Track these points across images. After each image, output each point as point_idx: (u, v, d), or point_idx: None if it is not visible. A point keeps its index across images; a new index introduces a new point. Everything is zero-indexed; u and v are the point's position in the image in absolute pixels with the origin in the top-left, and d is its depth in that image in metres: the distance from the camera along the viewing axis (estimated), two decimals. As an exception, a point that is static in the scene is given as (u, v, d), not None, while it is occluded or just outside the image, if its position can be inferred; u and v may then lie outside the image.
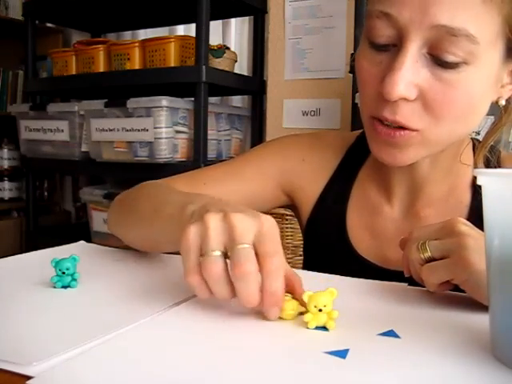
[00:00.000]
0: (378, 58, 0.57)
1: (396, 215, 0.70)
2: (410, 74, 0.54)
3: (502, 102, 0.61)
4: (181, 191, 0.65)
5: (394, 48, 0.56)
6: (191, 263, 0.45)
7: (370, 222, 0.71)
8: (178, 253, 0.50)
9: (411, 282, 0.56)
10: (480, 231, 0.49)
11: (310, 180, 0.76)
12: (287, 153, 0.78)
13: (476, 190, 0.67)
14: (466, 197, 0.68)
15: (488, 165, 0.68)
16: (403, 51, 0.54)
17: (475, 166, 0.68)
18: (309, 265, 0.78)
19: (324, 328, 0.43)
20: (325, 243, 0.74)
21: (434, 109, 0.55)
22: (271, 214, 1.49)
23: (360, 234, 0.71)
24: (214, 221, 0.45)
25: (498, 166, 0.69)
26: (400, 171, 0.68)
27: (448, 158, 0.67)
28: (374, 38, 0.57)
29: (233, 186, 0.75)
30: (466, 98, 0.55)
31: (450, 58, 0.53)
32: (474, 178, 0.67)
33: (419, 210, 0.69)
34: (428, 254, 0.50)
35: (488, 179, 0.38)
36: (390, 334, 0.42)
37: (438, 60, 0.54)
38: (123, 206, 0.72)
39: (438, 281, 0.50)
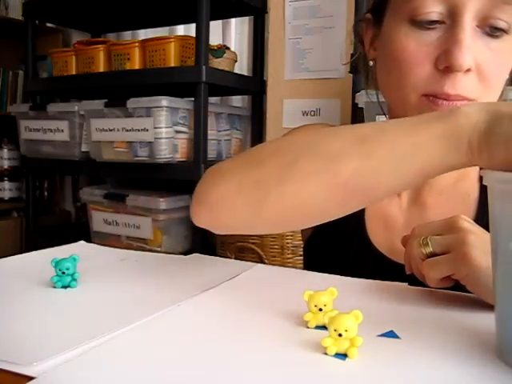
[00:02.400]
0: (426, 38, 0.59)
1: (405, 204, 0.71)
2: (472, 44, 0.57)
3: None
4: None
5: (441, 26, 0.58)
6: None
7: (382, 213, 0.71)
8: (184, 253, 0.44)
9: (412, 281, 0.56)
10: (482, 228, 0.49)
11: None
12: None
13: (484, 185, 0.68)
14: (474, 191, 0.69)
15: None
16: (462, 25, 0.57)
17: None
18: (313, 260, 0.77)
19: (324, 327, 0.42)
20: (341, 234, 0.72)
21: (486, 77, 0.59)
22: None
23: (374, 224, 0.71)
24: None
25: None
26: None
27: None
28: (421, 16, 0.58)
29: None
30: (507, 66, 0.61)
31: (502, 25, 0.57)
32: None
33: (426, 198, 0.69)
34: (430, 249, 0.50)
35: (493, 179, 0.38)
36: (390, 334, 0.42)
37: (488, 30, 0.58)
38: (259, 161, 0.49)
39: (438, 276, 0.50)
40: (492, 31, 0.57)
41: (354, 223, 0.71)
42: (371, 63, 0.68)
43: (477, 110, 0.40)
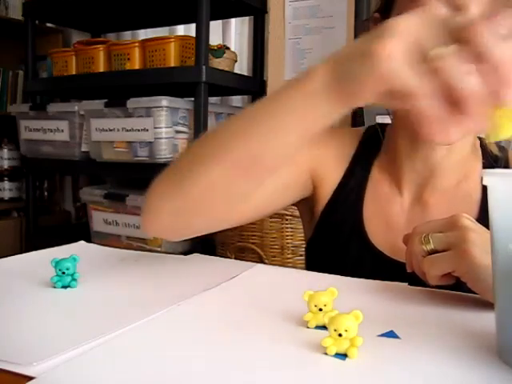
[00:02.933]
0: None
1: (407, 204, 0.71)
2: None
3: None
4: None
5: None
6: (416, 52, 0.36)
7: (383, 213, 0.72)
8: (184, 253, 0.47)
9: (412, 281, 0.56)
10: (483, 227, 0.49)
11: (331, 168, 0.76)
12: (316, 143, 0.76)
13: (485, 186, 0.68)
14: (477, 189, 0.69)
15: (496, 163, 0.69)
16: None
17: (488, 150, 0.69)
18: (314, 260, 0.78)
19: (324, 327, 0.42)
20: (340, 234, 0.73)
21: None
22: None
23: (374, 224, 0.71)
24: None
25: (506, 165, 0.70)
26: (416, 158, 0.69)
27: (465, 147, 0.69)
28: None
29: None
30: None
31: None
32: None
33: (429, 198, 0.70)
34: (431, 246, 0.51)
35: (494, 180, 0.38)
36: (390, 334, 0.42)
37: None
38: (180, 163, 0.57)
39: (439, 272, 0.50)
40: None
41: (352, 224, 0.72)
42: None
43: (324, 63, 0.42)
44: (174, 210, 0.55)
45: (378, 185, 0.74)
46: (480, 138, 0.73)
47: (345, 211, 0.73)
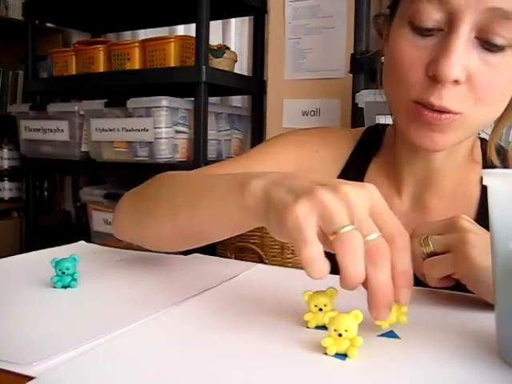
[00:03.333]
0: (422, 43, 0.57)
1: (405, 207, 0.71)
2: (463, 56, 0.54)
3: None
4: (225, 174, 0.57)
5: (439, 32, 0.56)
6: (310, 234, 0.39)
7: None
8: (184, 253, 0.48)
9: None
10: (483, 228, 0.49)
11: (323, 172, 0.76)
12: (302, 145, 0.78)
13: (485, 187, 0.68)
14: (475, 193, 0.69)
15: (494, 164, 0.69)
16: (456, 34, 0.54)
17: (489, 154, 0.69)
18: None
19: (324, 327, 0.42)
20: None
21: (477, 92, 0.56)
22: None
23: None
24: (328, 196, 0.39)
25: (506, 164, 0.70)
26: (415, 161, 0.69)
27: (464, 151, 0.68)
28: (419, 22, 0.57)
29: None
30: (506, 82, 0.57)
31: (499, 41, 0.54)
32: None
33: (428, 201, 0.69)
34: (430, 249, 0.50)
35: (494, 180, 0.38)
36: (390, 334, 0.42)
37: (485, 44, 0.55)
38: (141, 201, 0.65)
39: (438, 275, 0.50)
40: (489, 45, 0.55)
41: None
42: (383, 59, 0.68)
43: (262, 183, 0.45)
44: (135, 234, 0.65)
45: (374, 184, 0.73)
46: (481, 140, 0.73)
47: None
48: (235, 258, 1.68)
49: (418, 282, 0.54)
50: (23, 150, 2.14)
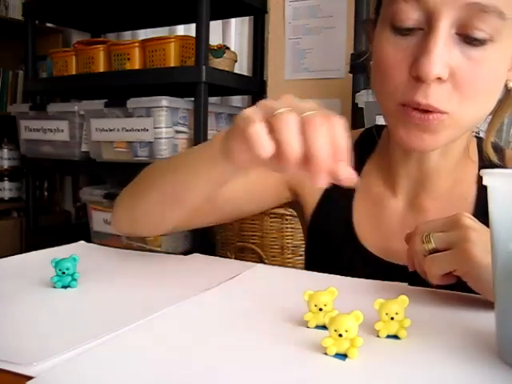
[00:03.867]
0: (403, 43, 0.57)
1: (400, 208, 0.71)
2: (444, 53, 0.54)
3: (510, 84, 0.62)
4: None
5: (419, 31, 0.56)
6: (256, 117, 0.45)
7: (376, 216, 0.71)
8: (184, 253, 0.51)
9: (412, 281, 0.56)
10: (484, 226, 0.49)
11: None
12: None
13: (481, 187, 0.68)
14: (471, 193, 0.68)
15: (491, 162, 0.68)
16: (435, 32, 0.54)
17: (485, 151, 0.68)
18: (312, 262, 0.78)
19: (324, 327, 0.42)
20: (330, 237, 0.73)
21: (462, 88, 0.56)
22: (272, 213, 1.50)
23: (366, 227, 0.71)
24: (274, 103, 0.46)
25: (503, 164, 0.69)
26: (409, 162, 0.69)
27: (458, 151, 0.68)
28: (399, 23, 0.57)
29: (235, 182, 0.75)
30: (490, 76, 0.57)
31: (480, 35, 0.54)
32: (479, 176, 0.68)
33: (423, 202, 0.69)
34: (432, 246, 0.51)
35: (494, 180, 0.38)
36: (390, 334, 0.42)
37: (466, 38, 0.55)
38: (131, 188, 0.71)
39: (440, 272, 0.50)
40: (471, 40, 0.54)
41: (343, 227, 0.72)
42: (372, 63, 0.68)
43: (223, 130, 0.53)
44: (129, 221, 0.70)
45: (368, 187, 0.73)
46: (478, 138, 0.72)
47: (335, 215, 0.73)
48: (235, 258, 1.68)
49: (418, 281, 0.54)
50: (23, 150, 2.14)
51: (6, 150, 2.63)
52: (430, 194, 0.69)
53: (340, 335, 0.37)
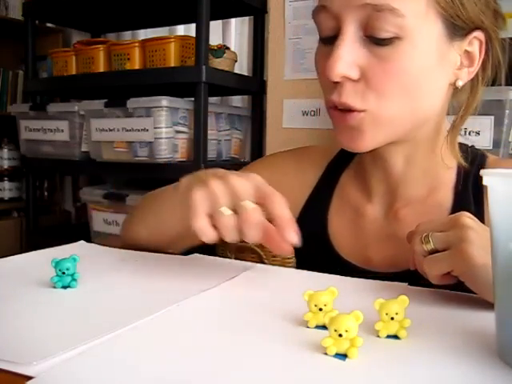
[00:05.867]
0: (325, 51, 0.61)
1: (377, 215, 0.71)
2: (348, 54, 0.57)
3: (459, 83, 0.63)
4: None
5: (336, 38, 0.60)
6: (201, 209, 0.52)
7: (352, 224, 0.72)
8: (184, 253, 0.53)
9: (412, 281, 0.56)
10: (484, 226, 0.49)
11: (296, 193, 0.77)
12: (274, 168, 0.81)
13: (458, 194, 0.68)
14: (447, 200, 0.68)
15: (470, 168, 0.68)
16: (341, 35, 0.58)
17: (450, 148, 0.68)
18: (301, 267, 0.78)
19: (324, 327, 0.42)
20: (308, 251, 0.72)
21: (375, 85, 0.58)
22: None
23: (343, 236, 0.72)
24: (216, 184, 0.53)
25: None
26: (377, 171, 0.70)
27: (424, 157, 0.68)
28: (321, 33, 0.62)
29: None
30: (403, 73, 0.58)
31: (382, 34, 0.56)
32: (457, 182, 0.68)
33: (398, 210, 0.69)
34: (431, 246, 0.51)
35: (494, 180, 0.38)
36: (390, 335, 0.42)
37: (373, 39, 0.57)
38: (132, 212, 0.81)
39: (438, 272, 0.50)
40: (377, 41, 0.57)
41: (318, 237, 0.73)
42: None
43: (184, 181, 0.59)
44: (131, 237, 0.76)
45: (345, 197, 0.74)
46: (461, 145, 0.71)
47: (311, 229, 0.72)
48: (235, 258, 1.68)
49: (422, 279, 0.54)
50: (23, 150, 2.14)
51: (6, 150, 2.63)
52: (403, 202, 0.69)
53: (340, 335, 0.37)
